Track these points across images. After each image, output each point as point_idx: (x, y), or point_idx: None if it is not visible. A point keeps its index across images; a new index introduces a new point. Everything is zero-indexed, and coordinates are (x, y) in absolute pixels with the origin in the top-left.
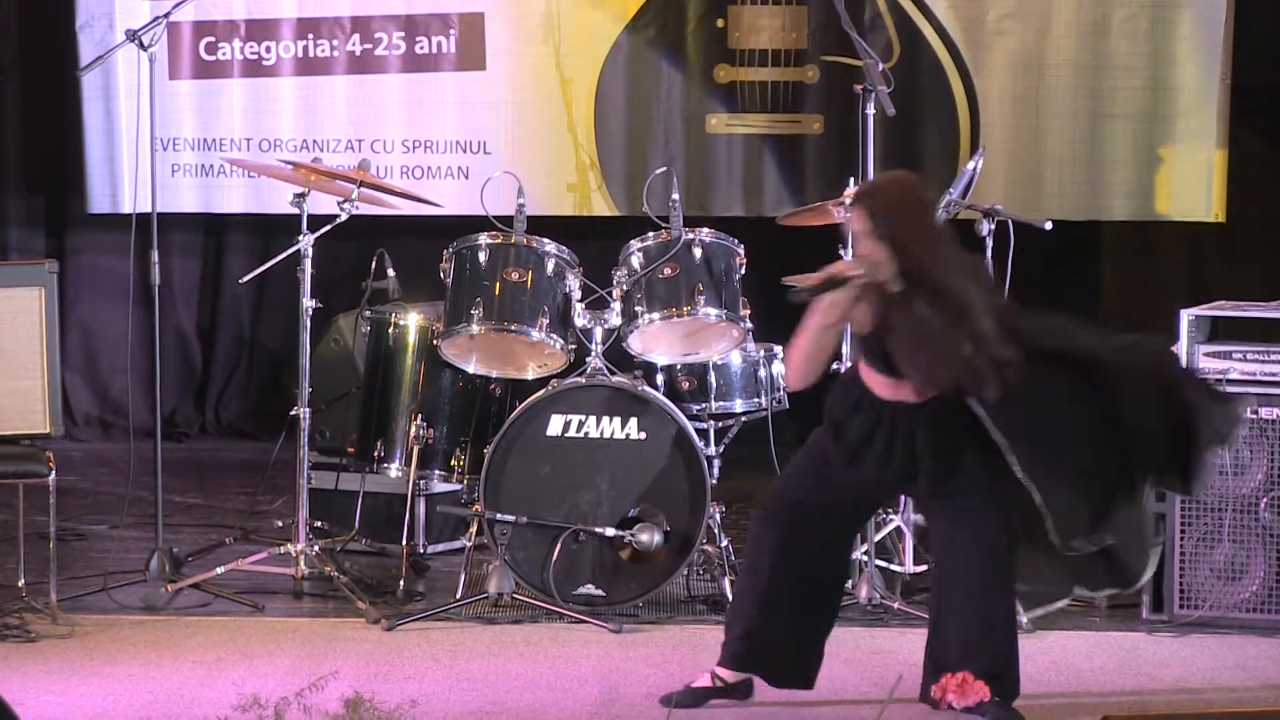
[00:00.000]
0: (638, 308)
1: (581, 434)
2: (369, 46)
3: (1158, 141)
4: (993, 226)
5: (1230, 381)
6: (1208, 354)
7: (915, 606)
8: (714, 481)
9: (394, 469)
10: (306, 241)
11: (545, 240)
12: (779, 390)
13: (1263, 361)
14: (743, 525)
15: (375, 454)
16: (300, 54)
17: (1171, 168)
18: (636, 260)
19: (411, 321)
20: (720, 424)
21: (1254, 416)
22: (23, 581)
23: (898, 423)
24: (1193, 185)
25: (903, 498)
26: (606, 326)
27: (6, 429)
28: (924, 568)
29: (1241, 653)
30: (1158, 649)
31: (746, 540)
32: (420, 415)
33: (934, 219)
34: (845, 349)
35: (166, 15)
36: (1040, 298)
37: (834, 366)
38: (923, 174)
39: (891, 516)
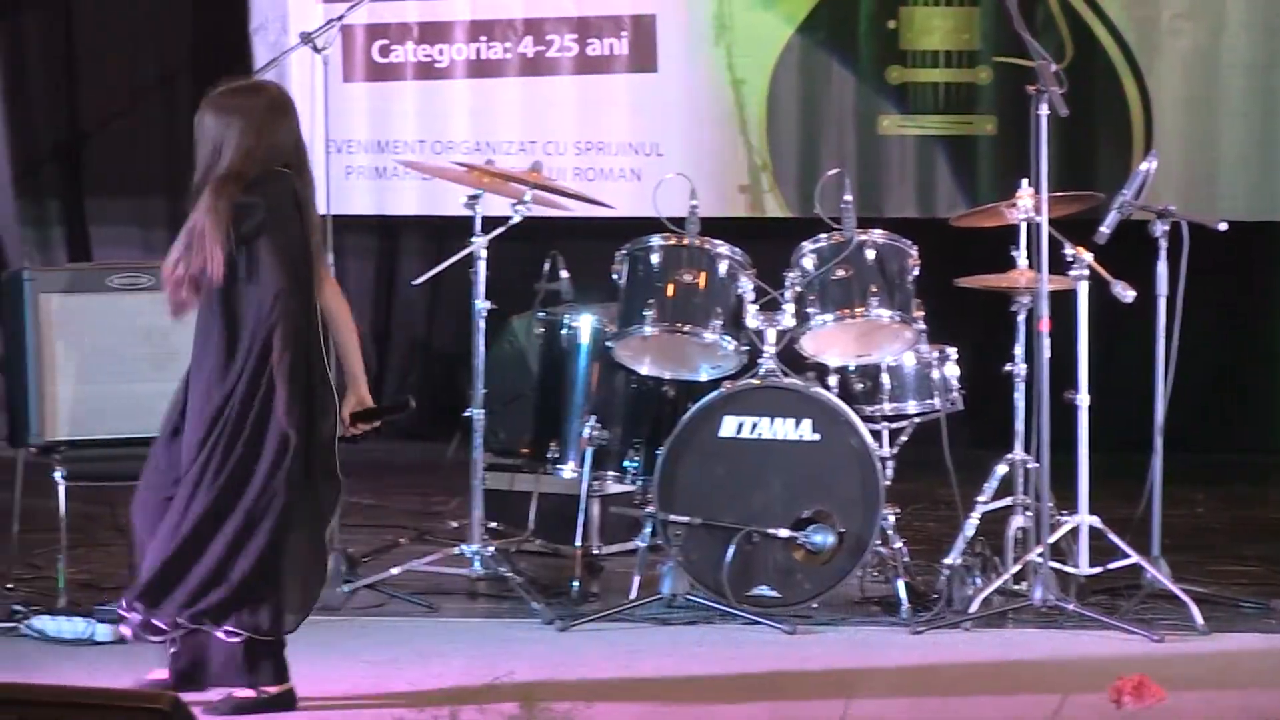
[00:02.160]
0: (810, 309)
1: (755, 435)
2: (541, 49)
3: None
4: (1166, 228)
5: None
6: None
7: (1090, 608)
8: (888, 483)
9: (568, 470)
10: (480, 243)
11: (718, 242)
12: (953, 391)
13: None
14: (916, 527)
15: (549, 455)
16: (473, 56)
17: None
18: (809, 262)
19: (584, 323)
20: (894, 425)
21: None
22: None
23: None
24: None
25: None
26: (779, 328)
27: None
28: (1099, 570)
29: None
30: None
31: None
32: (594, 416)
33: None
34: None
35: (340, 18)
36: (1215, 301)
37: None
38: (1096, 175)
39: (1066, 517)
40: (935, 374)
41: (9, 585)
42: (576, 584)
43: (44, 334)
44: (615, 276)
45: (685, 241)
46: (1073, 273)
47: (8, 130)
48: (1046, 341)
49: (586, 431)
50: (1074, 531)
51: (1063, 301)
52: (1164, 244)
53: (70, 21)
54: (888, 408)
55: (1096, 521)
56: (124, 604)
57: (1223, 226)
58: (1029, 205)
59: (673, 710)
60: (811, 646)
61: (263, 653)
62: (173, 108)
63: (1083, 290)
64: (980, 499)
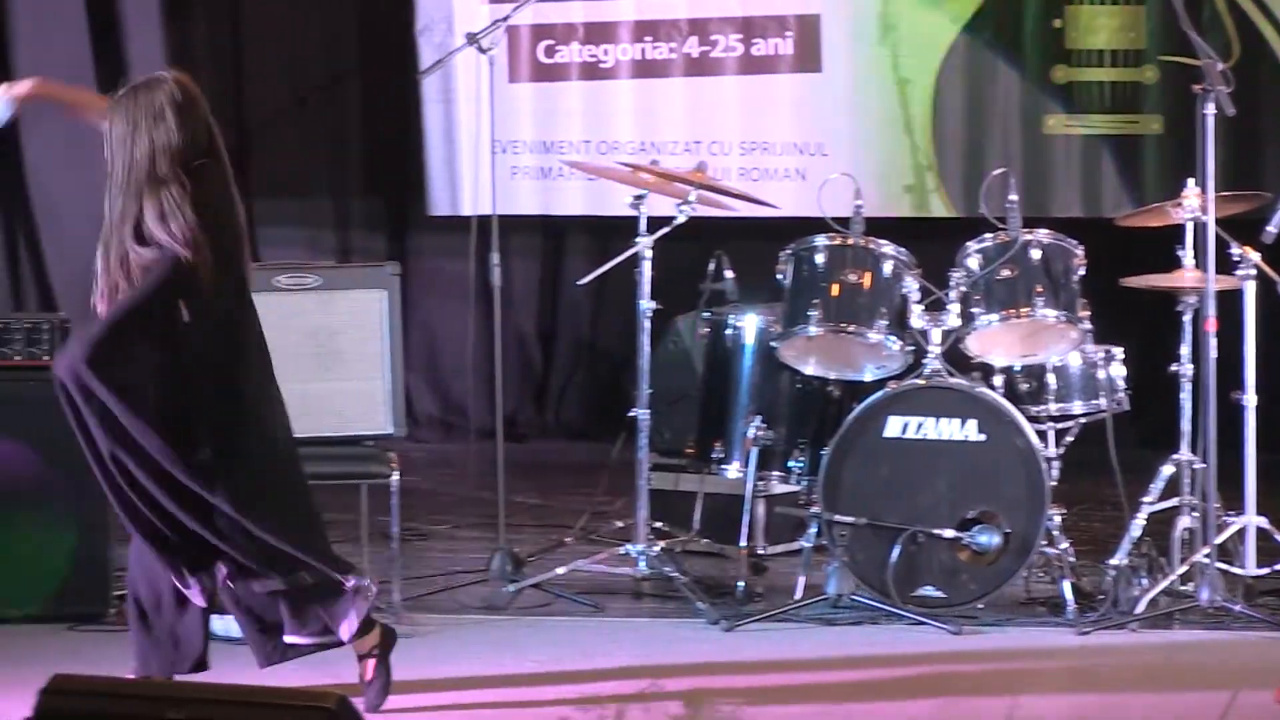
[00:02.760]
0: (975, 309)
1: (920, 435)
2: (706, 49)
3: None
4: None
5: None
6: None
7: (1257, 609)
8: (1053, 483)
9: (733, 470)
10: (645, 243)
11: (883, 241)
12: (1119, 392)
13: None
14: (1082, 527)
15: (714, 455)
16: (638, 56)
17: None
18: (974, 261)
19: (749, 323)
20: (1059, 426)
21: None
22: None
23: None
24: None
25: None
26: (944, 328)
27: (350, 430)
28: (1266, 571)
29: None
30: None
31: None
32: (759, 417)
33: None
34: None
35: (505, 19)
36: None
37: None
38: (1263, 175)
39: (1233, 518)
40: (1101, 374)
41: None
42: (741, 584)
43: None
44: (780, 276)
45: (850, 241)
46: (1239, 272)
47: None
48: (1213, 341)
49: (751, 432)
50: (1240, 532)
51: (1229, 301)
52: None
53: (237, 23)
54: (1053, 408)
55: (1263, 522)
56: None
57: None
58: (1195, 205)
59: (837, 710)
60: (977, 647)
61: None
62: (339, 109)
63: (1249, 290)
64: (1146, 499)
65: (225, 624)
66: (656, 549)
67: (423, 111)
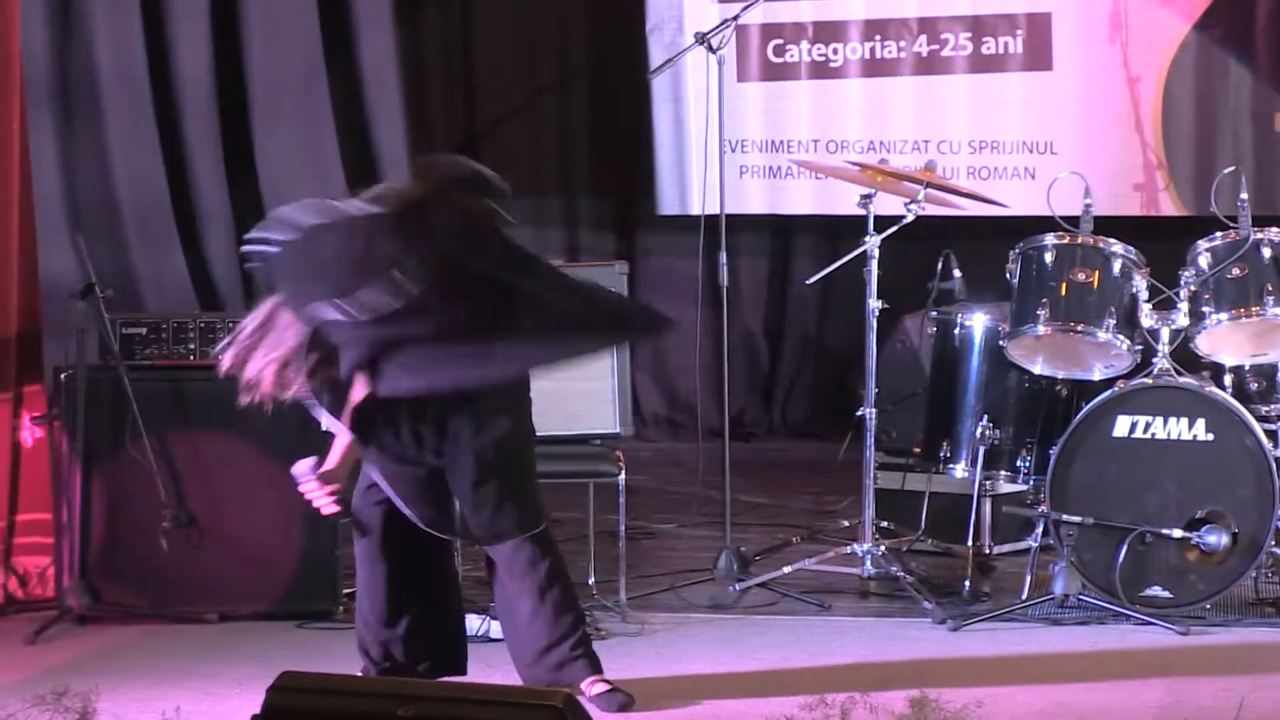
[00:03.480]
0: (1205, 308)
1: (1148, 435)
2: (935, 47)
3: None
4: None
5: None
6: None
7: None
8: None
9: (960, 469)
10: (873, 242)
11: (1112, 240)
12: None
13: None
14: None
15: (941, 454)
16: (867, 55)
17: None
18: (1204, 260)
19: (977, 322)
20: None
21: None
22: (593, 579)
23: None
24: None
25: None
26: (1173, 327)
27: (578, 429)
28: None
29: None
30: None
31: None
32: (986, 416)
33: None
34: None
35: (735, 18)
36: None
37: None
38: None
39: None
40: None
41: None
42: (967, 584)
43: None
44: (1008, 275)
45: (1079, 240)
46: None
47: (407, 131)
48: None
49: (978, 431)
50: None
51: None
52: None
53: (467, 23)
54: None
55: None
56: None
57: None
58: None
59: (1063, 709)
60: (1205, 648)
61: None
62: (569, 108)
63: None
64: None
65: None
66: (882, 548)
67: (652, 111)
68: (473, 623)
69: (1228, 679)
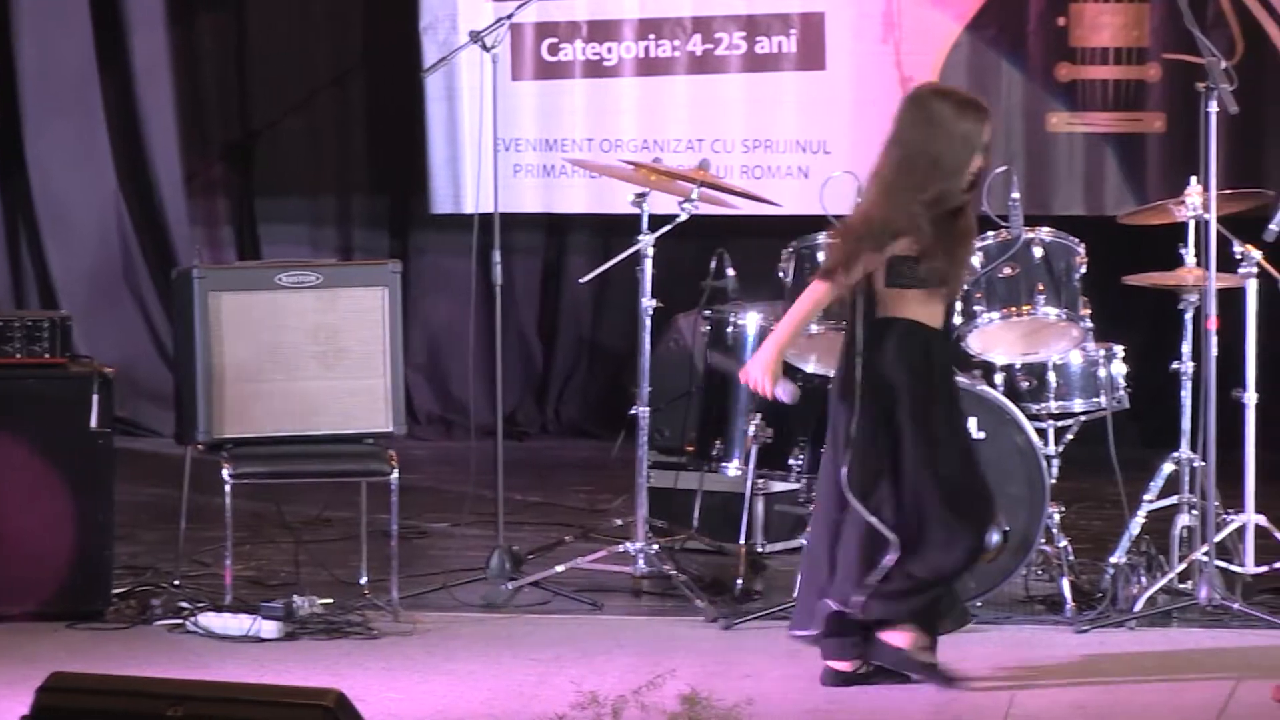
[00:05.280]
0: (977, 307)
1: None
2: (710, 46)
3: None
4: None
5: None
6: None
7: (1256, 607)
8: (1053, 481)
9: (732, 468)
10: (646, 241)
11: None
12: (1119, 390)
13: None
14: (1081, 525)
15: (714, 453)
16: (641, 54)
17: None
18: (976, 260)
19: (750, 321)
20: (1059, 424)
21: None
22: (365, 579)
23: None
24: None
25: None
26: None
27: (350, 428)
28: (1265, 569)
29: None
30: None
31: None
32: (759, 414)
33: None
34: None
35: (509, 17)
36: None
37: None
38: (1265, 173)
39: (1233, 516)
40: (1102, 372)
41: (175, 583)
42: (740, 582)
43: (213, 332)
44: (781, 274)
45: None
46: (1241, 270)
47: (180, 130)
48: (1214, 339)
49: (751, 429)
50: (1240, 530)
51: (1231, 299)
52: None
53: (243, 21)
54: (1053, 406)
55: (1263, 520)
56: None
57: None
58: (1197, 203)
59: (836, 707)
60: (976, 645)
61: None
62: (344, 106)
63: (1251, 288)
64: (1146, 497)
65: (224, 622)
66: (655, 547)
67: (426, 110)
68: (243, 623)
69: (999, 676)
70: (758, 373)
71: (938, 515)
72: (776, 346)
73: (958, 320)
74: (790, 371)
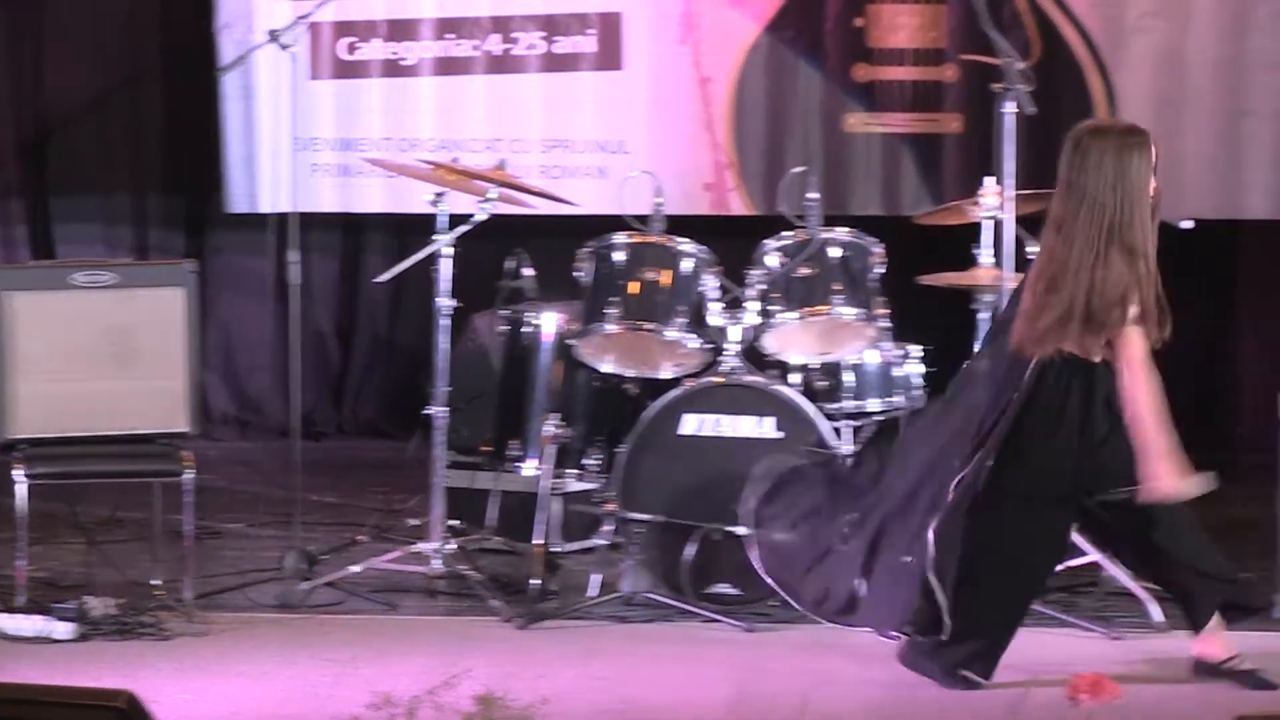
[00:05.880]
0: (774, 307)
1: (716, 432)
2: (508, 46)
3: None
4: None
5: None
6: None
7: (1048, 606)
8: None
9: (529, 467)
10: (444, 241)
11: (683, 239)
12: (915, 390)
13: None
14: None
15: (510, 453)
16: (440, 54)
17: None
18: (773, 259)
19: (548, 321)
20: (855, 423)
21: None
22: (159, 580)
23: None
24: None
25: None
26: (742, 325)
27: (145, 428)
28: (1059, 567)
29: None
30: None
31: None
32: (556, 414)
33: None
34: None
35: (307, 16)
36: (1180, 297)
37: None
38: None
39: None
40: (898, 372)
41: None
42: (536, 582)
43: (6, 331)
44: (579, 274)
45: (650, 239)
46: None
47: None
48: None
49: (548, 429)
50: None
51: None
52: None
53: (39, 20)
54: (850, 405)
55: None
56: None
57: (1187, 224)
58: (993, 203)
59: (631, 707)
60: (770, 644)
61: None
62: (139, 105)
63: None
64: None
65: (15, 623)
66: (451, 547)
67: (223, 109)
68: (35, 624)
69: (793, 676)
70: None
71: None
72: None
73: (755, 320)
74: (578, 369)
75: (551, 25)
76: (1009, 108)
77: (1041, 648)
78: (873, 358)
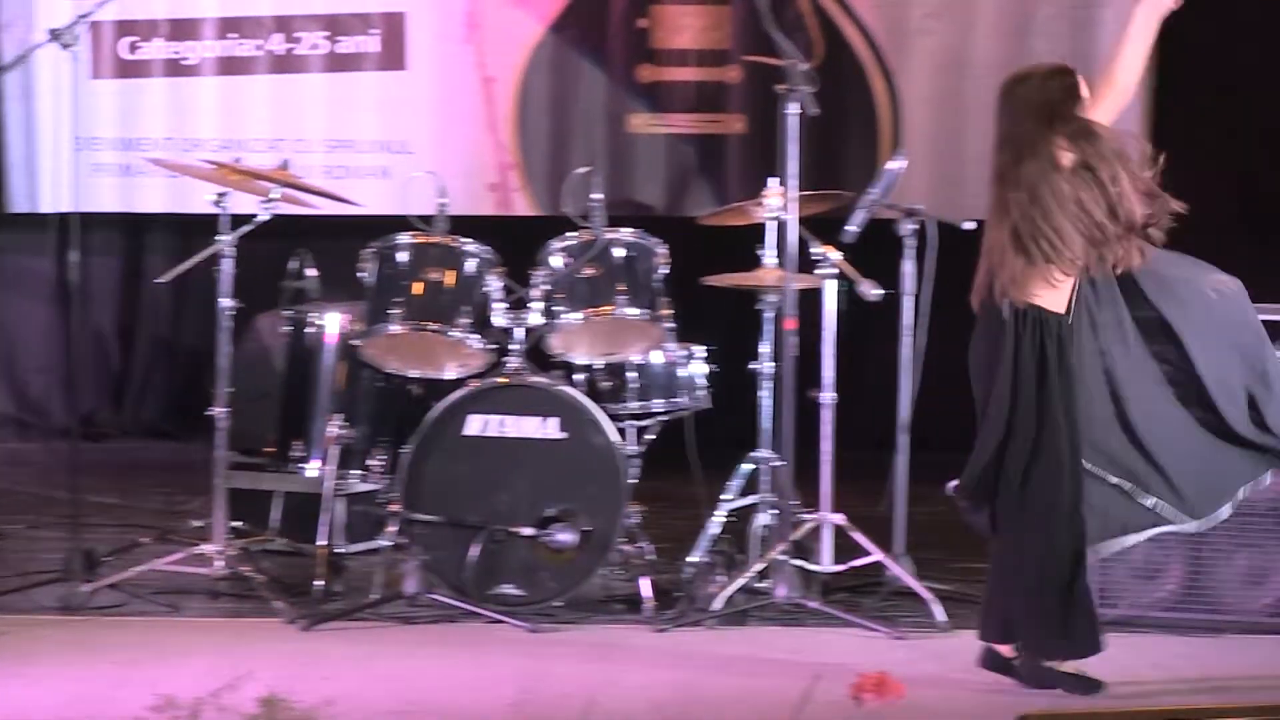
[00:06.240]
0: (558, 307)
1: (500, 433)
2: (291, 46)
3: None
4: (914, 227)
5: None
6: None
7: (833, 605)
8: (633, 481)
9: (312, 469)
10: (226, 241)
11: (466, 240)
12: (700, 390)
13: None
14: (662, 525)
15: (294, 454)
16: (222, 53)
17: None
18: (557, 260)
19: (331, 321)
20: (640, 423)
21: None
22: None
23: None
24: None
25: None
26: (527, 326)
27: None
28: (843, 567)
29: (1157, 651)
30: None
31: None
32: (339, 415)
33: None
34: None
35: (88, 15)
36: (961, 300)
37: None
38: (844, 175)
39: (810, 515)
40: (682, 372)
41: None
42: (320, 583)
43: None
44: (363, 275)
45: (433, 239)
46: (820, 271)
47: None
48: (793, 340)
49: (332, 430)
50: (817, 529)
51: (810, 300)
52: (911, 243)
53: None
54: (634, 406)
55: (840, 519)
56: None
57: (969, 225)
58: (777, 204)
59: (415, 708)
60: (555, 645)
61: None
62: None
63: (830, 289)
64: (725, 497)
65: None
66: (234, 548)
67: (2, 108)
68: None
69: (578, 676)
70: None
71: None
72: None
73: (539, 321)
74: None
75: (334, 25)
76: (792, 109)
77: (826, 647)
78: (657, 358)
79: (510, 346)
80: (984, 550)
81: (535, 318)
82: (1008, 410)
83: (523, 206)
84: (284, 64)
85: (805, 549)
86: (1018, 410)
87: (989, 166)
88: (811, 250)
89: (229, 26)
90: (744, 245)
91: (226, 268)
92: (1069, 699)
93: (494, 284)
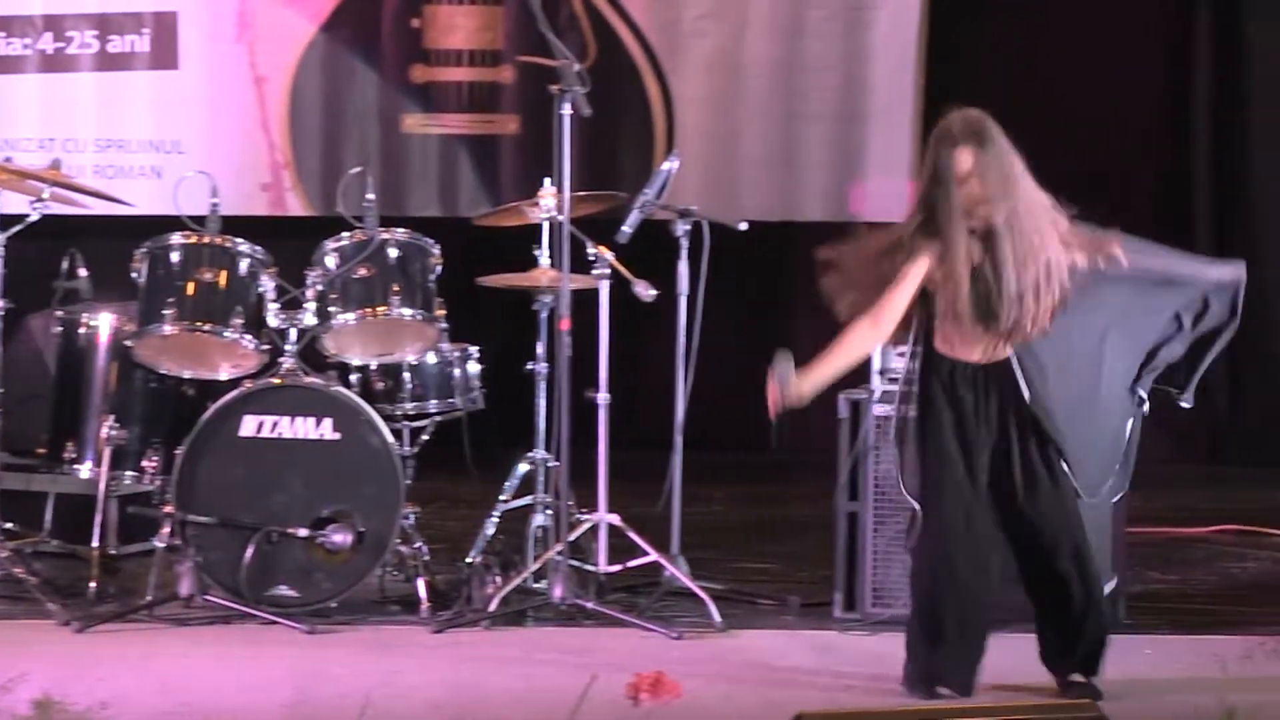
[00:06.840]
0: (332, 308)
1: (275, 434)
2: (61, 45)
3: (853, 143)
4: (688, 228)
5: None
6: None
7: (609, 606)
8: (408, 482)
9: (85, 470)
10: None
11: (239, 240)
12: (474, 390)
13: None
14: (437, 525)
15: (66, 455)
16: None
17: (867, 169)
18: (331, 260)
19: (103, 322)
20: (415, 424)
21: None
22: None
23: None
24: (888, 187)
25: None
26: (301, 326)
27: None
28: (619, 567)
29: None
30: (851, 647)
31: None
32: (112, 416)
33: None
34: None
35: None
36: (736, 300)
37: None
38: (618, 175)
39: (586, 515)
40: (457, 373)
41: None
42: (93, 585)
43: None
44: (135, 275)
45: (205, 240)
46: (595, 272)
47: None
48: (568, 340)
49: (104, 431)
50: (594, 529)
51: (585, 300)
52: (685, 243)
53: None
54: (409, 406)
55: (616, 519)
56: None
57: (743, 226)
58: (551, 204)
59: (190, 710)
60: (331, 646)
61: None
62: None
63: (604, 289)
64: (501, 497)
65: None
66: (6, 550)
67: None
68: None
69: (354, 677)
70: None
71: None
72: None
73: (313, 321)
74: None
75: (105, 24)
76: (566, 109)
77: (603, 648)
78: (431, 359)
79: (284, 347)
80: (757, 550)
81: (309, 318)
82: None
83: (296, 206)
84: (54, 63)
85: (582, 549)
86: None
87: (762, 168)
88: (586, 251)
89: None
90: (519, 246)
91: None
92: (842, 697)
93: (267, 284)
